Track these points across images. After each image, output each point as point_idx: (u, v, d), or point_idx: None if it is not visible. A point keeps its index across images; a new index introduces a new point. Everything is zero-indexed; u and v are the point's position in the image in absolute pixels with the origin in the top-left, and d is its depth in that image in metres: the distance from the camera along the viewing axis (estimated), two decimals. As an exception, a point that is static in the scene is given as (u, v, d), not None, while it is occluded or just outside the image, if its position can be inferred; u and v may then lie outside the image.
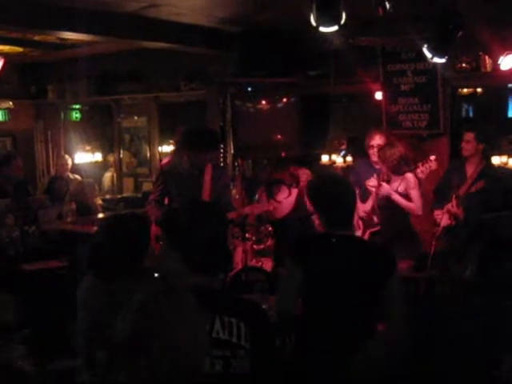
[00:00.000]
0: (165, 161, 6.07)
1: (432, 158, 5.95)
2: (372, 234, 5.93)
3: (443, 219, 5.97)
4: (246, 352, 2.25)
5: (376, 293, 3.20)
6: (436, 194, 6.31)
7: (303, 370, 3.18)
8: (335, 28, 4.52)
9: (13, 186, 7.06)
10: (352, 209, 3.46)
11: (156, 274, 2.91)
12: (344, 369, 3.05)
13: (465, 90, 7.82)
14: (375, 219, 5.98)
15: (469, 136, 6.04)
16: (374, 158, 6.20)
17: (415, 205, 5.84)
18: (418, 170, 5.92)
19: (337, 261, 3.24)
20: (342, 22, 4.47)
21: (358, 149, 7.03)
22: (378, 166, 6.11)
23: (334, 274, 3.21)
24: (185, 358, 1.73)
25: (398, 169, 5.85)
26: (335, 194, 3.38)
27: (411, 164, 5.92)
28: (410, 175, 5.86)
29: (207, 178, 5.67)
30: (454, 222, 5.89)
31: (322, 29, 4.53)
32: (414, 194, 5.84)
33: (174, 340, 1.72)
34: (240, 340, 2.24)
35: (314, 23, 4.49)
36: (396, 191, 5.83)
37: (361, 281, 3.21)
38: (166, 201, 5.75)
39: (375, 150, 6.19)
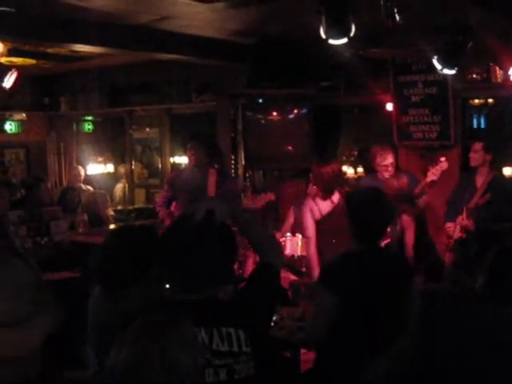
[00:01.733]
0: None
1: (442, 159, 5.88)
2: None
3: (455, 232, 5.95)
4: (249, 356, 2.27)
5: (400, 302, 3.23)
6: (448, 206, 6.29)
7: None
8: (344, 40, 4.52)
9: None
10: (383, 224, 3.44)
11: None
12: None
13: (476, 101, 7.80)
14: None
15: (477, 146, 6.02)
16: (387, 175, 6.14)
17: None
18: (429, 173, 5.85)
19: (367, 280, 3.20)
20: (352, 34, 4.48)
21: (365, 161, 6.99)
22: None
23: (364, 293, 3.18)
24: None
25: None
26: (370, 207, 3.35)
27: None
28: None
29: (211, 180, 6.08)
30: (465, 235, 5.86)
31: (332, 41, 4.54)
32: None
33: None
34: (241, 348, 2.25)
35: (323, 36, 4.50)
36: None
37: (387, 294, 3.21)
38: (173, 206, 6.42)
39: (389, 169, 6.10)
